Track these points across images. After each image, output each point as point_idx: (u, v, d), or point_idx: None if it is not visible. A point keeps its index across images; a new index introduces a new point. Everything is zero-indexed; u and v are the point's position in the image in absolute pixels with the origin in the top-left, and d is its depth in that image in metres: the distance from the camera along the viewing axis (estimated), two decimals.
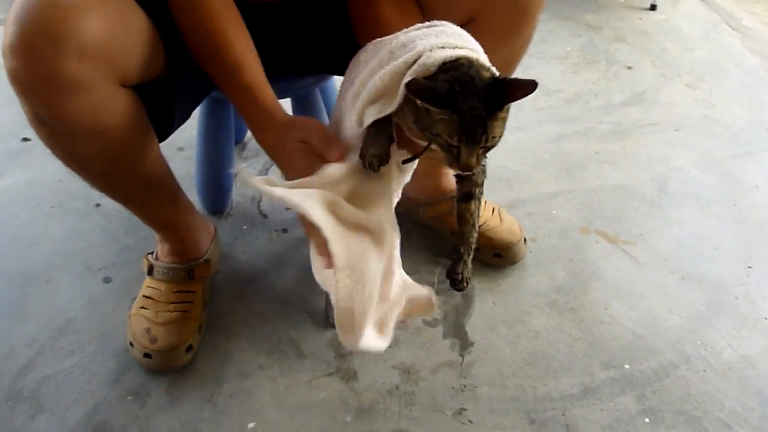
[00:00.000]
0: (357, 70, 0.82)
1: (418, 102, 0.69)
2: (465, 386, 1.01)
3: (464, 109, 0.68)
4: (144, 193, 0.99)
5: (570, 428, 0.95)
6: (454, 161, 0.72)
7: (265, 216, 1.33)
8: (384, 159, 0.78)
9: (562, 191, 1.39)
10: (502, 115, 0.70)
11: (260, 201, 1.36)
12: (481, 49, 0.78)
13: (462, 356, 1.06)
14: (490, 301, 1.15)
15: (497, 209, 1.24)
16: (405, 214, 1.29)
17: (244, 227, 1.30)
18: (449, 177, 1.23)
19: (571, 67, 1.93)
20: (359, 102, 0.78)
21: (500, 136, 0.71)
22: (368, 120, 0.76)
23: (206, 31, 0.82)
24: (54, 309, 1.13)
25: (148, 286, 1.08)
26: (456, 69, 0.70)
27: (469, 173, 0.82)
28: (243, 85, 0.82)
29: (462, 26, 0.95)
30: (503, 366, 1.04)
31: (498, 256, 1.20)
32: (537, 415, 0.97)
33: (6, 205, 1.35)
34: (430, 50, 0.73)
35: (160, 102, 0.90)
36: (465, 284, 0.87)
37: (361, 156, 0.78)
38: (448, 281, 0.87)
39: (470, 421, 0.96)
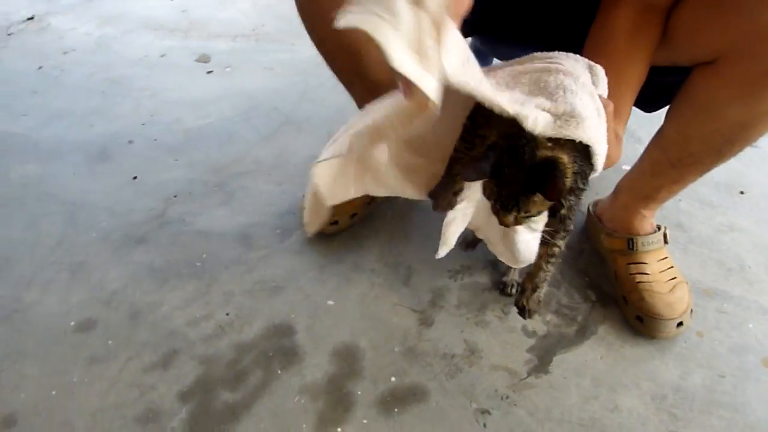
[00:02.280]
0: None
1: None
2: (507, 397, 1.00)
3: (502, 181, 0.71)
4: (362, 91, 1.16)
5: None
6: (495, 215, 0.76)
7: None
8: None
9: None
10: (536, 198, 0.70)
11: None
12: (595, 121, 0.72)
13: (528, 375, 1.03)
14: (599, 354, 1.07)
15: (679, 280, 1.11)
16: (589, 234, 1.25)
17: None
18: (645, 221, 1.14)
19: None
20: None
21: (539, 213, 0.73)
22: None
23: None
24: None
25: None
26: (515, 137, 0.70)
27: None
28: None
29: (695, 64, 0.88)
30: (557, 409, 0.99)
31: (639, 319, 1.09)
32: None
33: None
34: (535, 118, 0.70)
35: None
36: (526, 315, 0.96)
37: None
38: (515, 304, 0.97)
39: (485, 425, 0.96)
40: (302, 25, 1.07)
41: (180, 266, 1.20)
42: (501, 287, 1.16)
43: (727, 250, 1.26)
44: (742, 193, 1.40)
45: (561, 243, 0.86)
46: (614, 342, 1.09)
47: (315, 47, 1.12)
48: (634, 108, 0.95)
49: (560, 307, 1.14)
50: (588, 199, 1.27)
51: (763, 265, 1.23)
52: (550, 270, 0.90)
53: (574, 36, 0.93)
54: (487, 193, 0.76)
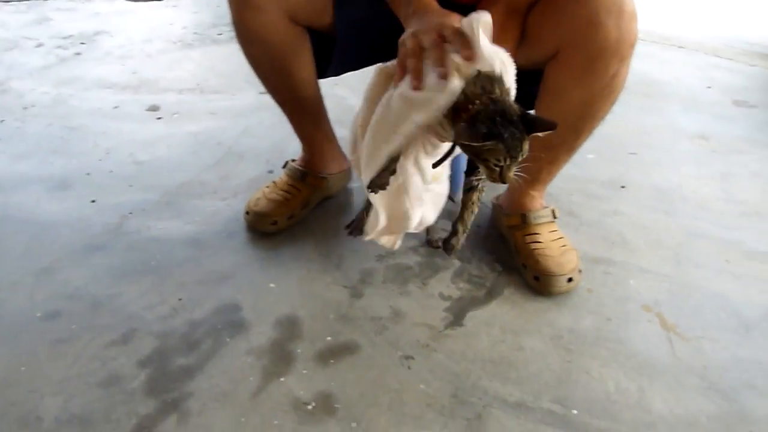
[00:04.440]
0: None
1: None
2: (427, 345, 1.16)
3: (506, 137, 0.85)
4: (292, 105, 1.38)
5: (482, 418, 1.03)
6: (498, 178, 0.90)
7: None
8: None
9: (658, 273, 1.36)
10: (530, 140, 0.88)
11: None
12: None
13: (445, 328, 1.20)
14: (505, 309, 1.25)
15: (568, 247, 1.32)
16: (493, 221, 1.46)
17: None
18: (534, 200, 1.35)
19: None
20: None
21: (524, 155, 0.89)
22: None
23: None
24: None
25: (279, 176, 1.49)
26: (494, 103, 0.87)
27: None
28: None
29: (547, 60, 1.13)
30: (470, 351, 1.15)
31: (536, 279, 1.28)
32: (462, 396, 1.07)
33: None
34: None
35: (323, 49, 1.28)
36: (450, 252, 1.15)
37: None
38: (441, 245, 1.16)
39: (409, 368, 1.12)
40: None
41: (136, 265, 1.34)
42: (431, 243, 1.36)
43: (611, 229, 1.49)
44: (623, 187, 1.65)
45: (483, 185, 1.04)
46: (518, 300, 1.28)
47: (253, 71, 1.33)
48: None
49: (471, 277, 1.33)
50: (492, 193, 1.48)
51: (641, 239, 1.46)
52: (476, 210, 1.08)
53: None
54: (488, 154, 0.87)
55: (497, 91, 0.89)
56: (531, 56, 1.16)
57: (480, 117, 0.86)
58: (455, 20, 0.94)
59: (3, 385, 1.08)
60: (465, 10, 1.21)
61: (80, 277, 1.31)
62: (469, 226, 1.11)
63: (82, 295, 1.26)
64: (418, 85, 0.90)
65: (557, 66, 1.12)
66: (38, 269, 1.32)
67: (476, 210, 1.09)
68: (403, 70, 0.94)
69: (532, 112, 1.25)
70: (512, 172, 0.90)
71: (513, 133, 0.86)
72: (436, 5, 1.01)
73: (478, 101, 0.87)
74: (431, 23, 0.94)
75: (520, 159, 0.88)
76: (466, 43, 0.89)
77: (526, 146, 0.88)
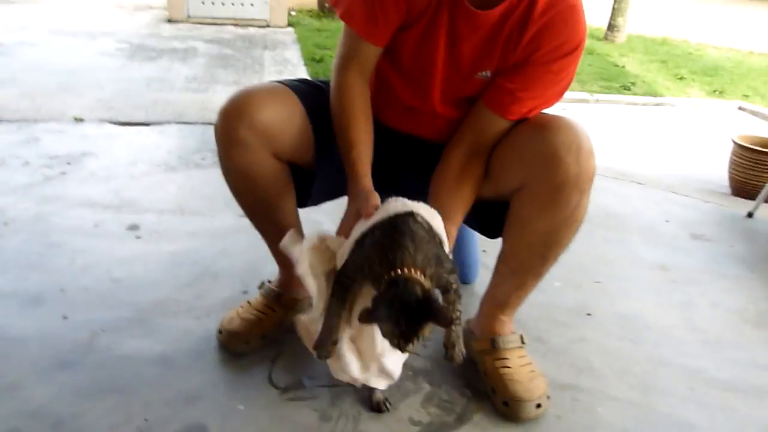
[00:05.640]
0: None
1: None
2: None
3: (400, 322, 0.94)
4: (272, 232, 1.43)
5: None
6: (397, 348, 0.97)
7: None
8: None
9: (625, 401, 1.37)
10: (429, 325, 0.95)
11: None
12: None
13: None
14: None
15: (537, 373, 1.34)
16: (464, 341, 1.49)
17: None
18: (504, 325, 1.39)
19: None
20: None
21: (430, 331, 0.96)
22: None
23: (342, 116, 1.25)
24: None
25: (254, 296, 1.51)
26: (398, 286, 0.94)
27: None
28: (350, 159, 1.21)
29: (512, 192, 1.23)
30: None
31: (505, 404, 1.29)
32: None
33: None
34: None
35: (303, 181, 1.36)
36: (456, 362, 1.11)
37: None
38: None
39: None
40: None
41: (103, 383, 1.32)
42: (375, 407, 1.29)
43: (578, 355, 1.52)
44: (588, 314, 1.70)
45: (459, 307, 1.07)
46: (487, 426, 1.28)
47: (236, 201, 1.39)
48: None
49: (441, 401, 1.33)
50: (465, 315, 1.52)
51: (607, 366, 1.49)
52: (458, 328, 1.09)
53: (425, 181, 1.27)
54: (385, 333, 0.97)
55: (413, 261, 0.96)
56: (497, 189, 1.26)
57: (379, 300, 0.96)
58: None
59: None
60: (434, 148, 1.33)
61: (44, 394, 1.28)
62: (458, 343, 1.10)
63: (45, 413, 1.23)
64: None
65: (522, 198, 1.21)
66: (2, 386, 1.29)
67: (459, 327, 1.10)
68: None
69: (499, 239, 1.32)
70: (412, 348, 0.96)
71: (407, 319, 0.93)
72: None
73: (385, 278, 0.95)
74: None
75: (415, 341, 0.95)
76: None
77: (423, 330, 0.95)
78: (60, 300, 1.61)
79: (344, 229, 1.15)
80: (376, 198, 1.12)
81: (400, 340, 0.95)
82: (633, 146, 3.68)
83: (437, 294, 0.98)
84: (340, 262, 1.09)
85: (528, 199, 1.21)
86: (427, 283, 0.96)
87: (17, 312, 1.55)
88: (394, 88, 1.32)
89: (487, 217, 1.34)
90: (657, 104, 6.24)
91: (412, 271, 0.95)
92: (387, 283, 0.95)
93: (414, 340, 0.95)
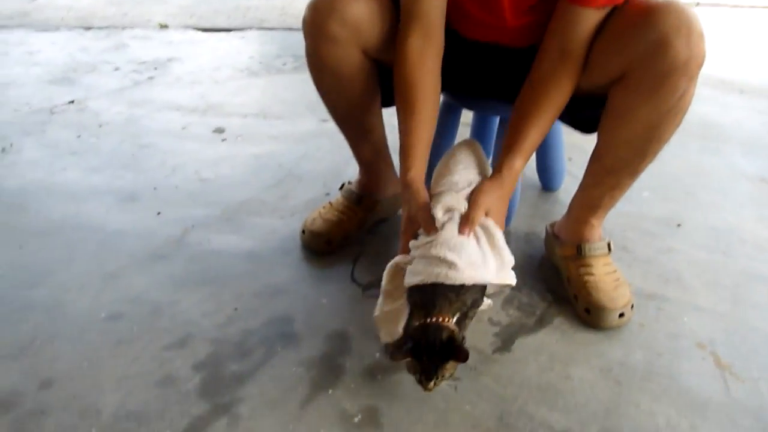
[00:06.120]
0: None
1: None
2: (475, 368, 1.17)
3: (423, 359, 0.98)
4: (356, 131, 1.43)
5: None
6: (419, 383, 1.01)
7: None
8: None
9: (713, 312, 1.33)
10: (450, 364, 0.99)
11: None
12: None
13: (493, 353, 1.20)
14: (554, 338, 1.24)
15: (622, 281, 1.31)
16: (547, 249, 1.46)
17: None
18: (593, 230, 1.35)
19: None
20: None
21: (452, 372, 1.02)
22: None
23: (403, 93, 1.20)
24: None
25: (335, 198, 1.53)
26: (425, 330, 0.99)
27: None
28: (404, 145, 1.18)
29: (611, 83, 1.15)
30: (517, 377, 1.15)
31: (587, 311, 1.27)
32: (507, 420, 1.07)
33: None
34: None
35: (388, 80, 1.33)
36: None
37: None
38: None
39: (456, 389, 1.12)
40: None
41: (196, 275, 1.39)
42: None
43: (665, 266, 1.47)
44: (678, 225, 1.63)
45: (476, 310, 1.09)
46: (567, 330, 1.27)
47: (322, 99, 1.38)
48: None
49: (521, 304, 1.33)
50: (546, 220, 1.49)
51: (696, 278, 1.43)
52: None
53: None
54: (410, 368, 1.02)
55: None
56: (594, 80, 1.17)
57: (409, 336, 1.01)
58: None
59: (66, 378, 1.14)
60: (520, 53, 1.26)
61: (143, 283, 1.37)
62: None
63: (143, 300, 1.32)
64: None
65: (624, 89, 1.13)
66: (104, 274, 1.39)
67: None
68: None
69: (594, 133, 1.26)
70: (431, 386, 1.00)
71: (430, 358, 0.98)
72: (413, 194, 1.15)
73: (416, 322, 1.01)
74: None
75: (436, 380, 0.99)
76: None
77: (444, 370, 0.99)
78: (153, 197, 1.69)
79: (404, 247, 1.15)
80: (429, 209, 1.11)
81: (422, 377, 1.00)
82: (736, 52, 3.38)
83: (461, 337, 1.02)
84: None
85: (631, 88, 1.11)
86: (453, 330, 1.00)
87: (115, 208, 1.64)
88: (465, 7, 1.24)
89: (581, 111, 1.27)
90: (765, 6, 5.67)
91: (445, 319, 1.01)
92: (420, 327, 1.00)
93: (434, 378, 0.99)
